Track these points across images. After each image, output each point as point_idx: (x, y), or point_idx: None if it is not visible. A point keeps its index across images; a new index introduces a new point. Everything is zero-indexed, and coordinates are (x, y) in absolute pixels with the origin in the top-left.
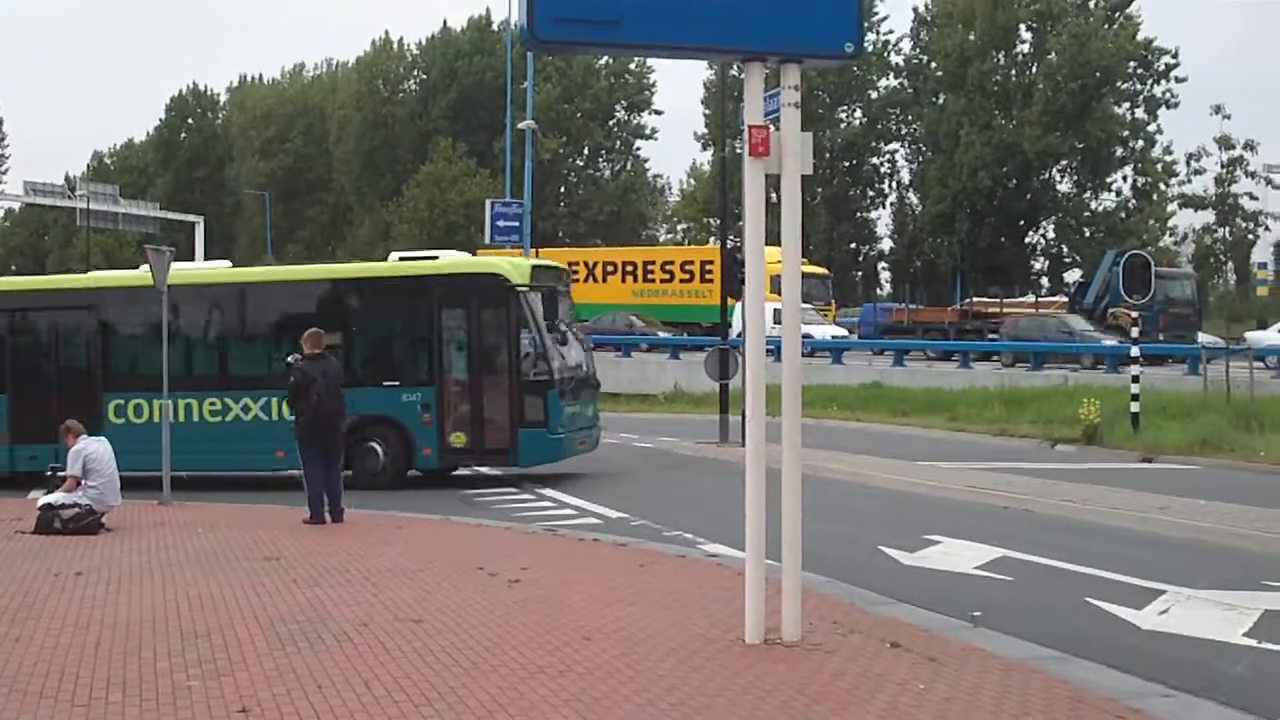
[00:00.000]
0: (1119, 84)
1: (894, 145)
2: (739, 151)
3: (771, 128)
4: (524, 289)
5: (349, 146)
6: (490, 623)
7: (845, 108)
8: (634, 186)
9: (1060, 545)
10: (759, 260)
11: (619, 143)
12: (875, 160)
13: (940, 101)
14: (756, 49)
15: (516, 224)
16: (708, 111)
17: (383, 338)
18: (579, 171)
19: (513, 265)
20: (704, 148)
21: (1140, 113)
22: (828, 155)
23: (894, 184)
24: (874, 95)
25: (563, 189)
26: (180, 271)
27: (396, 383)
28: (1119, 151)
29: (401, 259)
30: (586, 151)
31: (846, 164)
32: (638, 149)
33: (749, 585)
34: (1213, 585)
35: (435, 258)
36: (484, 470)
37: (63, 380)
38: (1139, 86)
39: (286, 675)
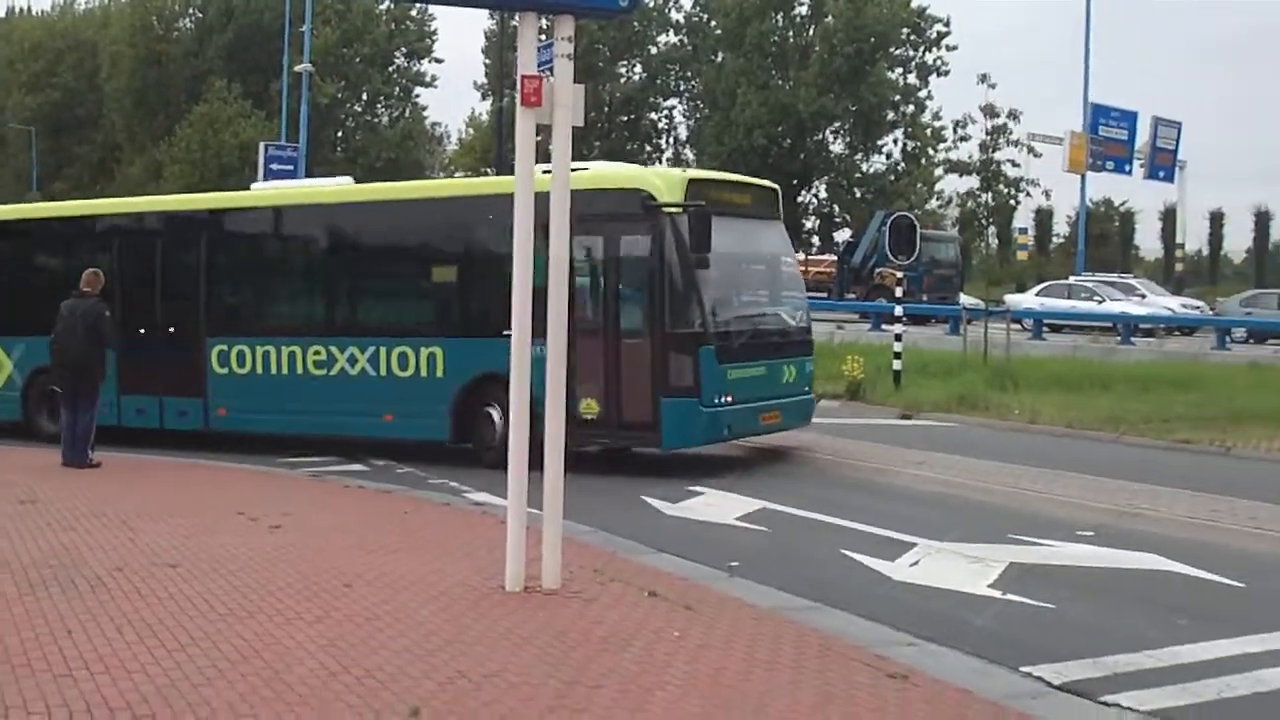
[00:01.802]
0: (893, 49)
1: (672, 101)
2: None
3: (545, 78)
4: (674, 210)
5: (120, 84)
6: (249, 568)
7: (625, 62)
8: (412, 134)
9: (819, 498)
10: (528, 209)
11: (398, 89)
12: (654, 115)
13: (719, 60)
14: None
15: (291, 167)
16: (488, 61)
17: (501, 275)
18: (357, 117)
19: (662, 178)
20: (483, 97)
21: (912, 78)
22: (606, 109)
23: (671, 140)
24: (654, 51)
25: (340, 134)
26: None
27: None
28: (890, 116)
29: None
30: (365, 97)
31: (625, 118)
32: (417, 96)
33: (509, 533)
34: (962, 538)
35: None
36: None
37: (168, 319)
38: (911, 53)
39: (36, 620)
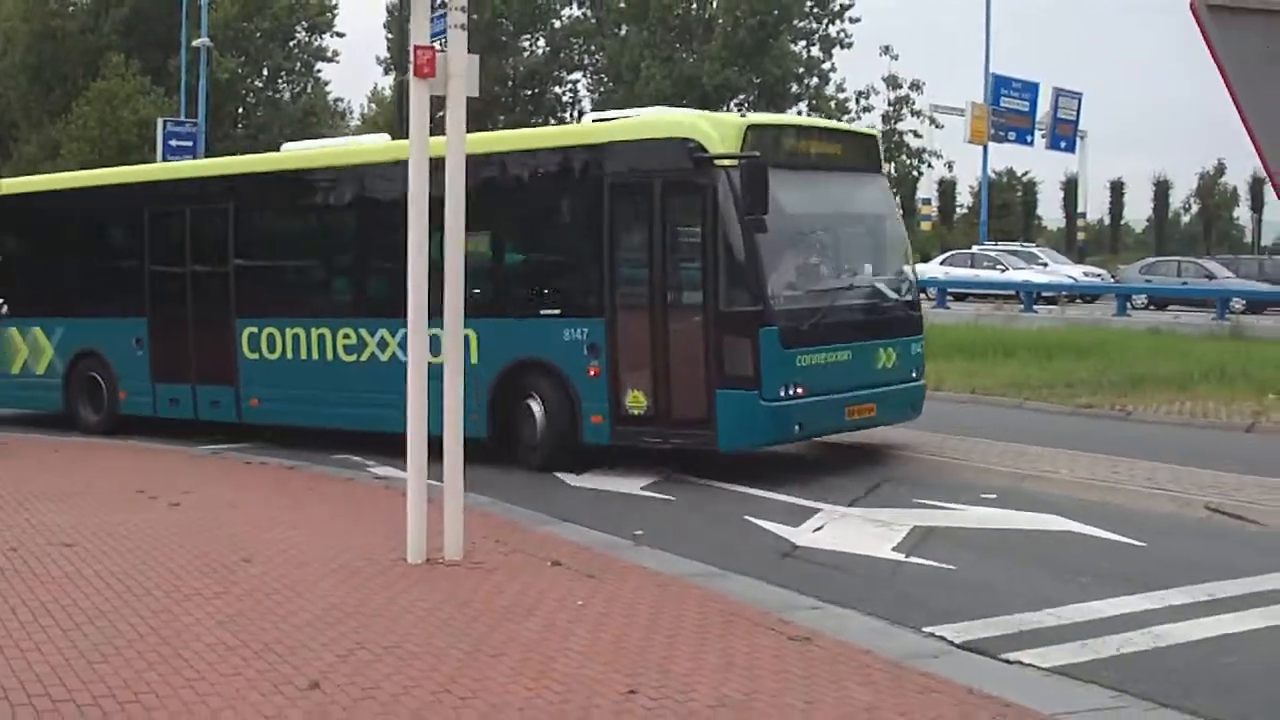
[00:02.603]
0: (796, 22)
1: (576, 75)
2: None
3: (438, 49)
4: (729, 163)
5: (14, 60)
6: (147, 546)
7: (528, 36)
8: (315, 109)
9: (724, 465)
10: (423, 181)
11: (300, 64)
12: (558, 89)
13: (623, 33)
14: None
15: (190, 144)
16: (390, 35)
17: (538, 244)
18: (258, 93)
19: (715, 124)
20: (386, 71)
21: (816, 51)
22: (510, 83)
23: (576, 114)
24: (557, 24)
25: (241, 110)
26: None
27: (556, 311)
28: (794, 88)
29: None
30: (266, 73)
31: (529, 92)
32: (319, 71)
33: (410, 506)
34: (866, 503)
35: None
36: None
37: (198, 298)
38: (815, 25)
39: None
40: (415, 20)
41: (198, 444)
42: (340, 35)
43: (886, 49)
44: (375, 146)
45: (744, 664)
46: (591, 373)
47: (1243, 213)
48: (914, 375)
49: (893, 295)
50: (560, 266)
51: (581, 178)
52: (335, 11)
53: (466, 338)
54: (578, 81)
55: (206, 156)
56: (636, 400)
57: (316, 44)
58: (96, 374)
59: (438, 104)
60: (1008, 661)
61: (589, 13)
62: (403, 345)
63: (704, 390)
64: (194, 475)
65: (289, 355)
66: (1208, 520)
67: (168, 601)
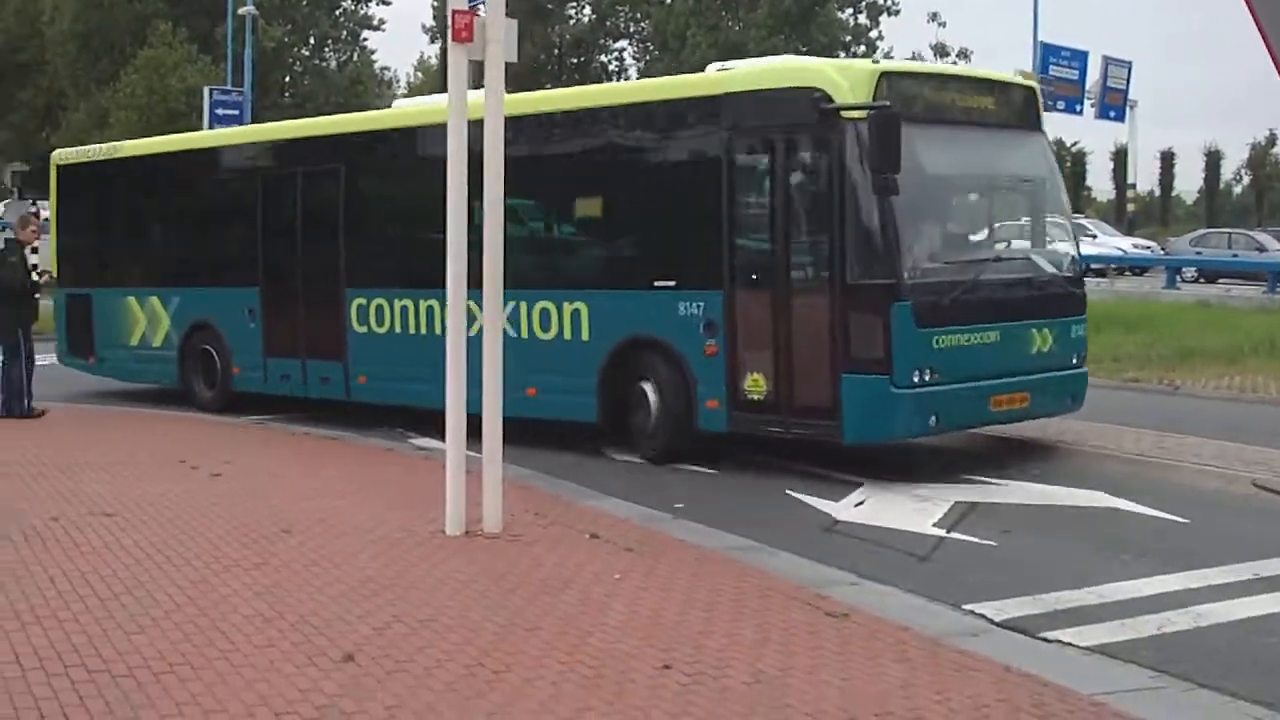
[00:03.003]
0: None
1: (622, 43)
2: None
3: (480, 11)
4: (857, 116)
5: (63, 28)
6: (187, 516)
7: (574, 4)
8: (361, 78)
9: (765, 439)
10: (461, 148)
11: (346, 33)
12: (604, 58)
13: (669, 2)
14: None
15: (237, 113)
16: (435, 4)
17: (650, 209)
18: (304, 61)
19: (844, 72)
20: (431, 40)
21: (863, 18)
22: (556, 51)
23: (623, 81)
24: None
25: (288, 79)
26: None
27: (672, 283)
28: (841, 56)
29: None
30: (313, 41)
31: (575, 60)
32: (365, 40)
33: (449, 477)
34: (909, 479)
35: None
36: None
37: (309, 267)
38: None
39: None
40: None
41: (244, 416)
42: (386, 3)
43: (934, 16)
44: (532, 97)
45: (780, 639)
46: (708, 352)
47: None
48: (1074, 361)
49: (1050, 269)
50: (675, 233)
51: (697, 135)
52: None
53: (577, 311)
54: (623, 50)
55: (253, 124)
56: (756, 384)
57: (362, 12)
58: (210, 347)
59: (478, 70)
60: (1046, 640)
61: None
62: (514, 320)
63: (829, 374)
64: (235, 446)
65: (397, 329)
66: (1254, 497)
67: (206, 572)
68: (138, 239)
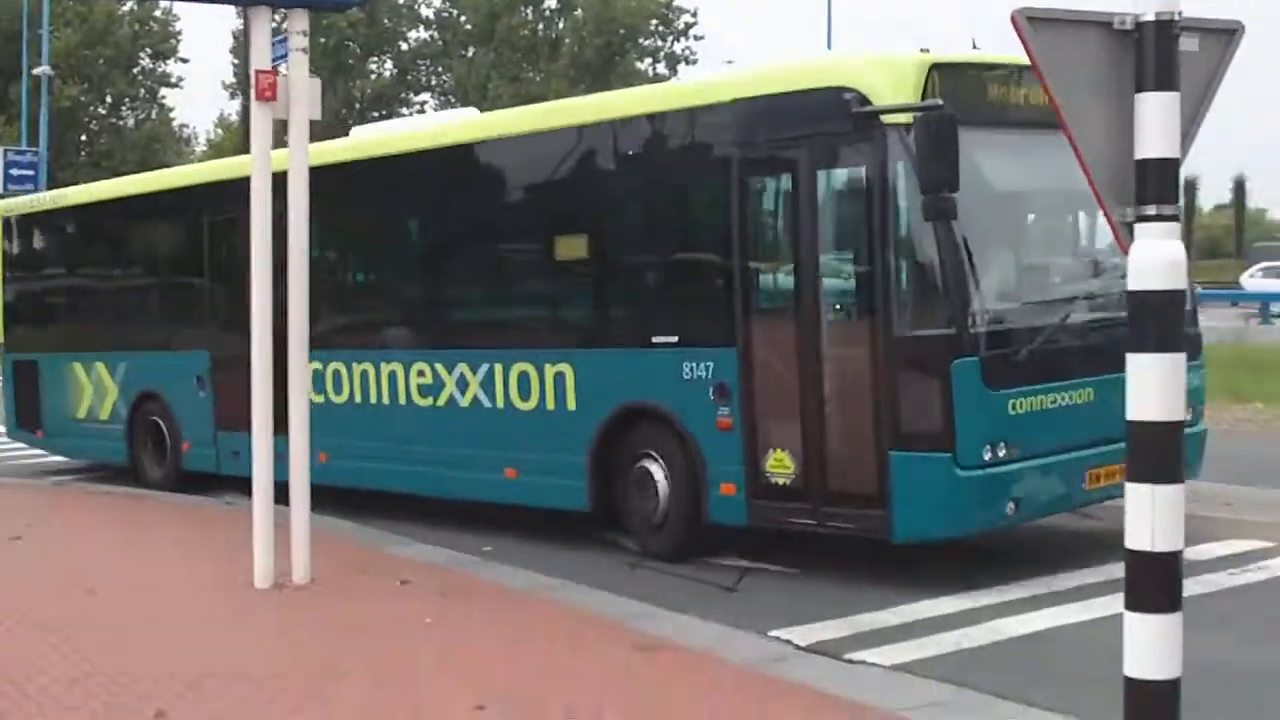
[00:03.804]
0: (641, 40)
1: (424, 96)
2: None
3: (281, 73)
4: (902, 120)
5: None
6: None
7: (376, 59)
8: (159, 136)
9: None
10: (265, 205)
11: (144, 91)
12: (406, 111)
13: (470, 55)
14: None
15: (32, 173)
16: (236, 61)
17: (645, 248)
18: (101, 120)
19: (881, 67)
20: (232, 97)
21: (662, 68)
22: (358, 106)
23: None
24: (404, 47)
25: (84, 138)
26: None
27: (673, 339)
28: None
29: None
30: (109, 100)
31: (377, 114)
32: (163, 98)
33: (256, 530)
34: None
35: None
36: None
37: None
38: (660, 43)
39: None
40: (256, 44)
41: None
42: (184, 61)
43: (730, 63)
44: (450, 125)
45: (593, 675)
46: (721, 424)
47: None
48: (1189, 417)
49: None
50: (675, 278)
51: (700, 153)
52: (179, 38)
53: (561, 375)
54: (425, 103)
55: (49, 187)
56: (780, 463)
57: (160, 70)
58: (159, 420)
59: (282, 128)
60: (851, 661)
61: (436, 35)
62: (487, 386)
63: (873, 451)
64: (35, 508)
65: (356, 398)
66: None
67: (10, 637)
68: (82, 297)
